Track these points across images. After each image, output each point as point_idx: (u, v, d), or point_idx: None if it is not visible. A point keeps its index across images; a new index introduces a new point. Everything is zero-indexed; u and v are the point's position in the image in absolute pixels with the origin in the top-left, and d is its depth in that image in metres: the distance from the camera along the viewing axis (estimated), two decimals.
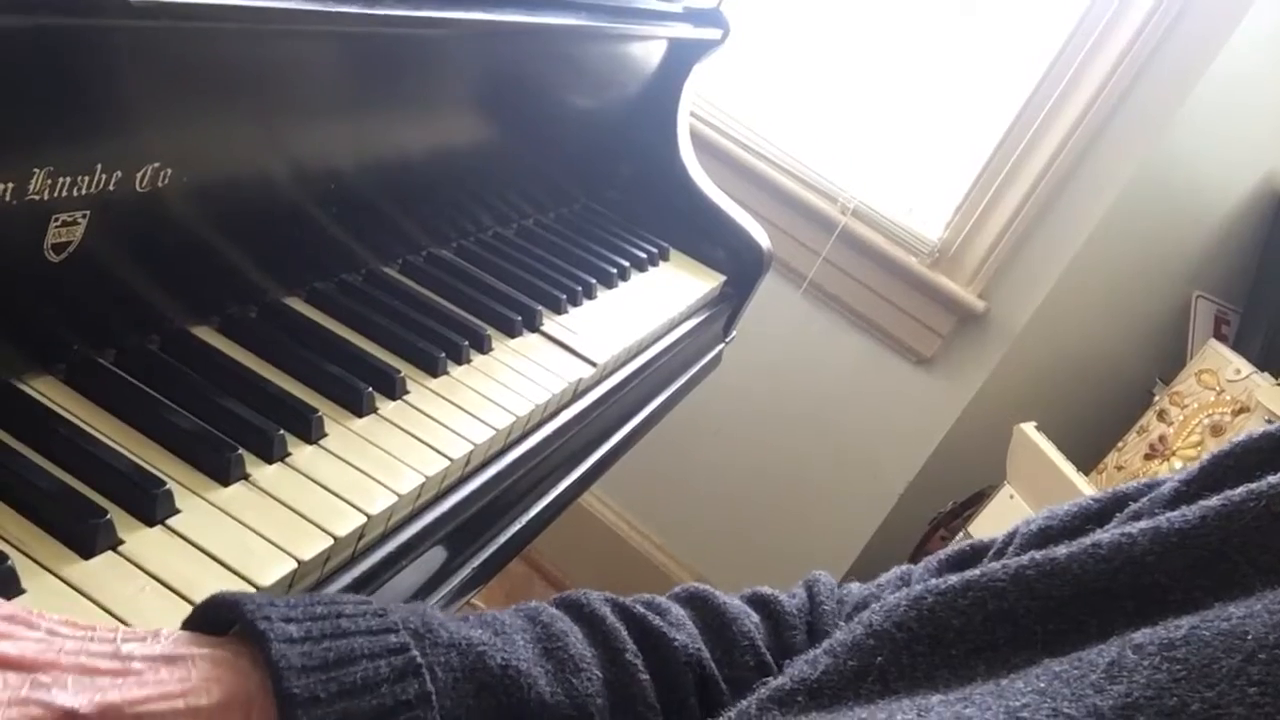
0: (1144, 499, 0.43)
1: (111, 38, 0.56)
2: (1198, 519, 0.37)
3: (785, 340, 1.91)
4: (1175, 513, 0.38)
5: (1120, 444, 1.73)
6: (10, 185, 0.53)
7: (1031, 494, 1.64)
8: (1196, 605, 0.35)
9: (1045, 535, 0.45)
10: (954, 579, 0.41)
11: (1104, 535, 0.39)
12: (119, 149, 0.59)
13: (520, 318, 0.95)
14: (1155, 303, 1.84)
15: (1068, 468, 1.56)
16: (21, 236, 0.56)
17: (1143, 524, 0.38)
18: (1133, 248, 1.77)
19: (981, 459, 1.78)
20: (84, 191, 0.57)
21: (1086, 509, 0.46)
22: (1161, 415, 1.66)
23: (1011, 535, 0.48)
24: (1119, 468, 1.70)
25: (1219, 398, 1.57)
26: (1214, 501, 0.37)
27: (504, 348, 0.91)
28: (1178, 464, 1.58)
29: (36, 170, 0.54)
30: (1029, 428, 1.63)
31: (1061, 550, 0.39)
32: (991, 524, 1.70)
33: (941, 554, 0.52)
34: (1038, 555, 0.40)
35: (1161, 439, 1.63)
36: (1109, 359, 1.87)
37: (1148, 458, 1.64)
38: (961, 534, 1.75)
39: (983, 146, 1.80)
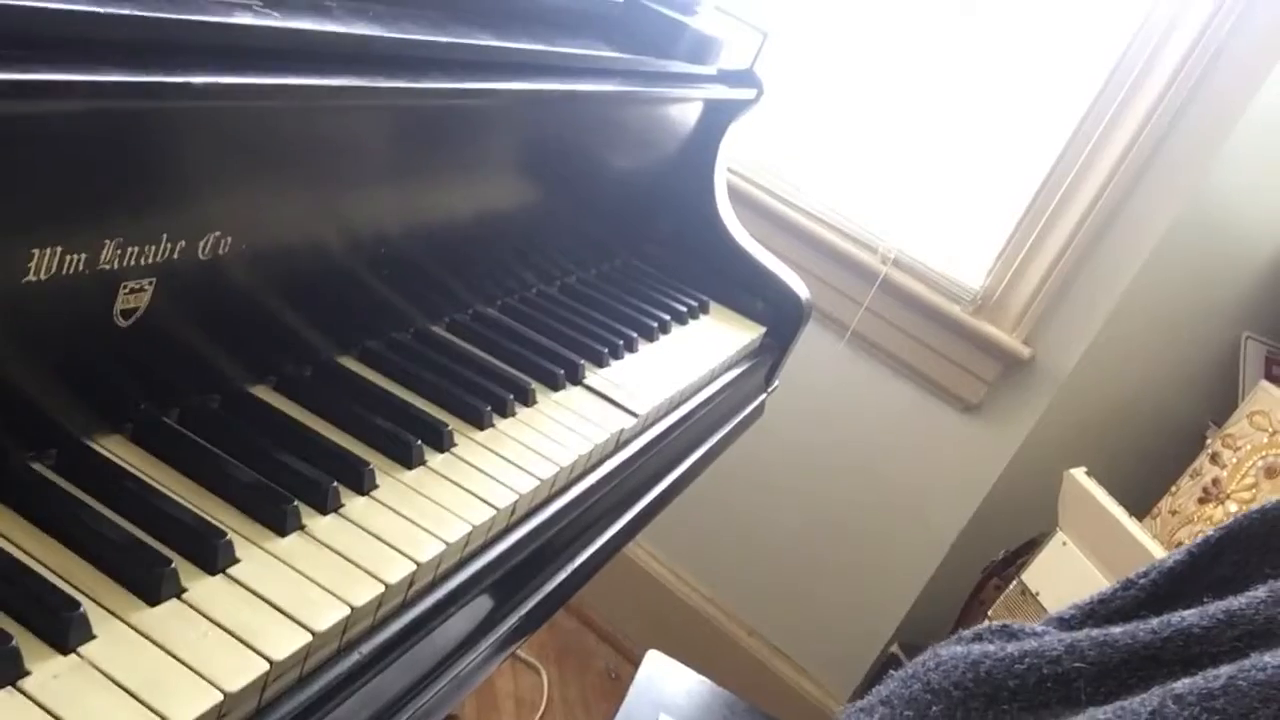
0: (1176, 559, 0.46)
1: (175, 116, 0.60)
2: (1242, 605, 0.40)
3: (830, 390, 1.92)
4: (1221, 602, 0.41)
5: (1174, 488, 1.70)
6: (83, 255, 0.57)
7: (1085, 540, 1.62)
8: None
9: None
10: (1012, 648, 0.44)
11: (1154, 618, 0.42)
12: (183, 220, 0.63)
13: (563, 371, 0.98)
14: (1204, 344, 1.82)
15: (1120, 513, 1.54)
16: (93, 303, 0.60)
17: (1191, 611, 0.42)
18: (1179, 289, 1.76)
19: (1033, 506, 1.77)
20: (150, 260, 0.61)
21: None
22: (1214, 458, 1.64)
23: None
24: (1173, 512, 1.67)
25: (1272, 439, 1.55)
26: (1261, 592, 0.40)
27: (547, 400, 0.94)
28: (1233, 507, 1.56)
29: (107, 241, 0.58)
30: (1079, 473, 1.62)
31: (1116, 629, 0.43)
32: (1045, 572, 1.68)
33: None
34: (1094, 632, 0.43)
35: (1215, 482, 1.61)
36: (1159, 402, 1.85)
37: (1202, 501, 1.62)
38: (1015, 583, 1.73)
39: (1023, 191, 1.80)
